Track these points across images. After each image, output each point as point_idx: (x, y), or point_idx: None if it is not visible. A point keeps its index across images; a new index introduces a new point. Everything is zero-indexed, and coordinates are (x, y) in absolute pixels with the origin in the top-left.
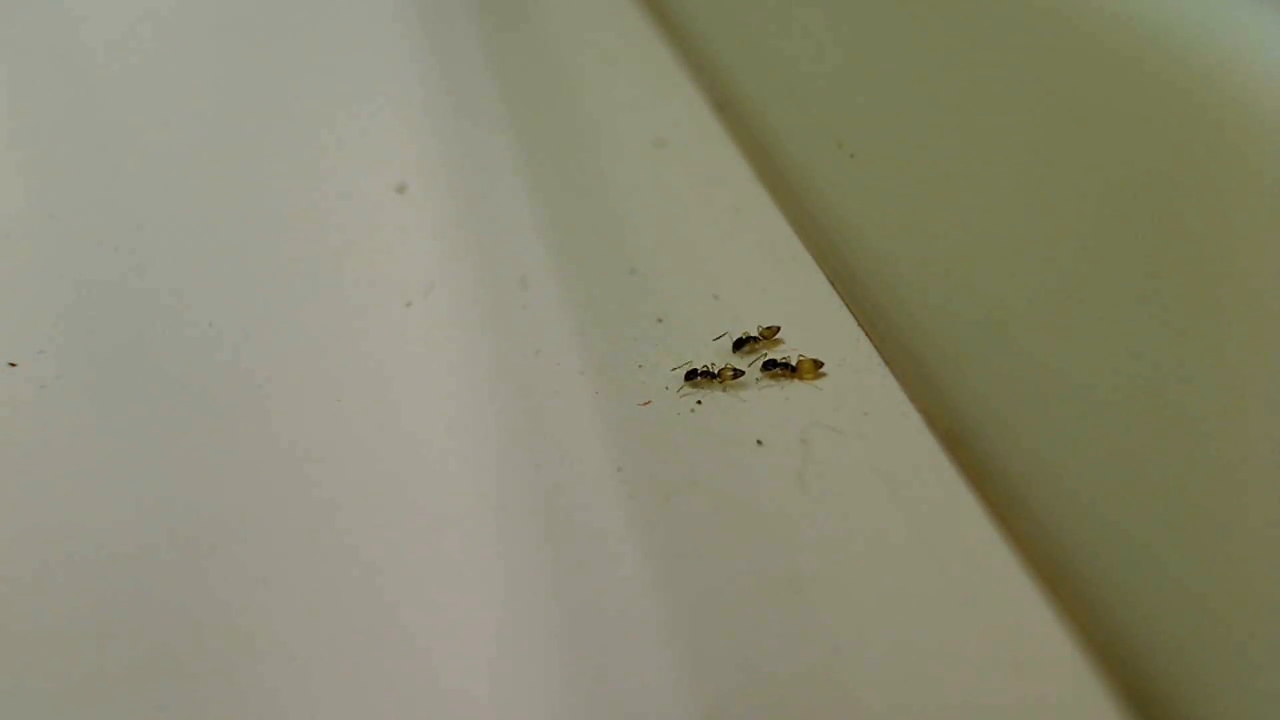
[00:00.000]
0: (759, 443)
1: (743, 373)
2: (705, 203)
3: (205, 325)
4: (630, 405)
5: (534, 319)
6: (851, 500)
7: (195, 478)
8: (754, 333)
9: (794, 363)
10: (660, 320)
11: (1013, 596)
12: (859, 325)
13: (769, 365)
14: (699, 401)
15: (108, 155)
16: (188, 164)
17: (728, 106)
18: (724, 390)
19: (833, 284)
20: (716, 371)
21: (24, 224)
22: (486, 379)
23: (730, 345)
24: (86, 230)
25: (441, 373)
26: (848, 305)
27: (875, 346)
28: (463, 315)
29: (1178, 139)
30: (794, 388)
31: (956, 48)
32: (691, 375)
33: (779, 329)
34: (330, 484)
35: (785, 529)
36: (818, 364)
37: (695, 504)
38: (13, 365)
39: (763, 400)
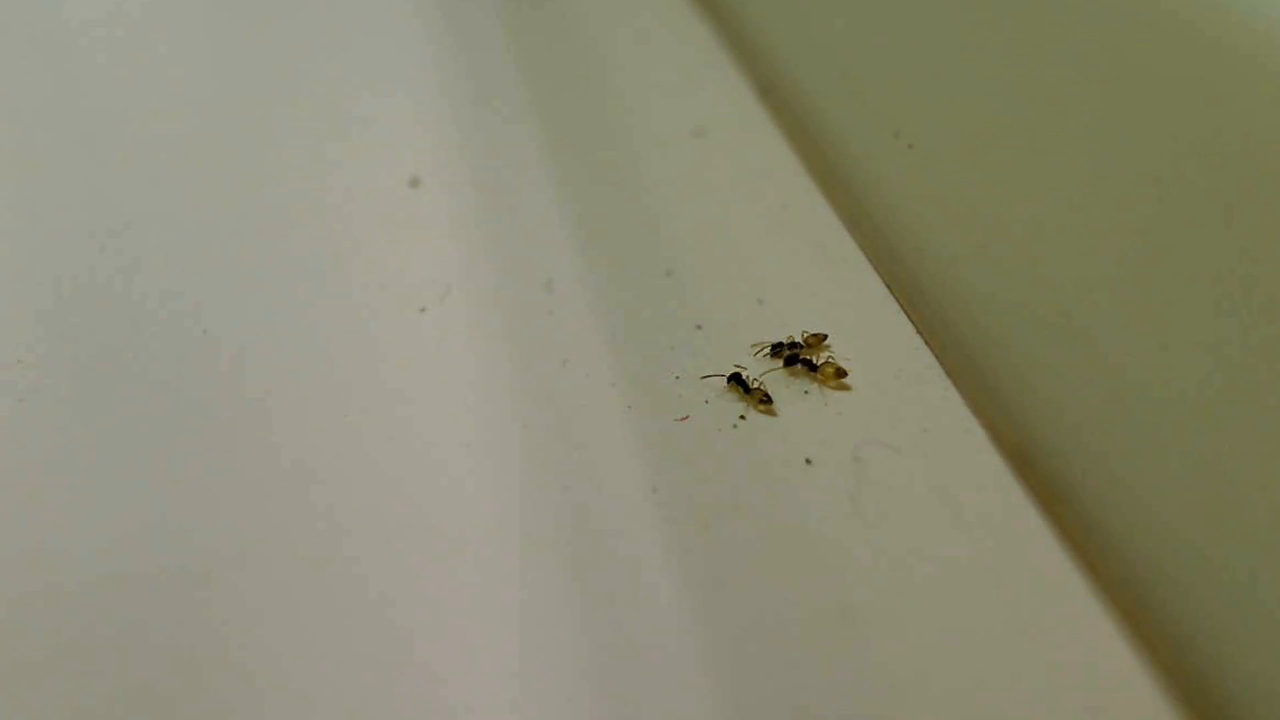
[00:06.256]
0: (808, 461)
1: (770, 400)
2: (749, 198)
3: (200, 333)
4: (666, 420)
5: (560, 325)
6: (910, 525)
7: (188, 500)
8: (798, 339)
9: (818, 362)
10: (699, 327)
11: (1088, 633)
12: (918, 332)
13: (791, 360)
14: (742, 417)
15: (93, 145)
16: (180, 156)
17: (773, 91)
18: (756, 410)
19: (889, 287)
20: (751, 387)
21: (0, 221)
22: (508, 391)
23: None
24: (69, 228)
25: (459, 384)
26: (905, 310)
27: (935, 355)
28: (482, 321)
29: (1247, 102)
30: (846, 401)
31: (1021, 20)
32: (737, 380)
33: (825, 336)
34: (337, 507)
35: (837, 556)
36: (841, 372)
37: (738, 529)
38: None
39: (811, 416)
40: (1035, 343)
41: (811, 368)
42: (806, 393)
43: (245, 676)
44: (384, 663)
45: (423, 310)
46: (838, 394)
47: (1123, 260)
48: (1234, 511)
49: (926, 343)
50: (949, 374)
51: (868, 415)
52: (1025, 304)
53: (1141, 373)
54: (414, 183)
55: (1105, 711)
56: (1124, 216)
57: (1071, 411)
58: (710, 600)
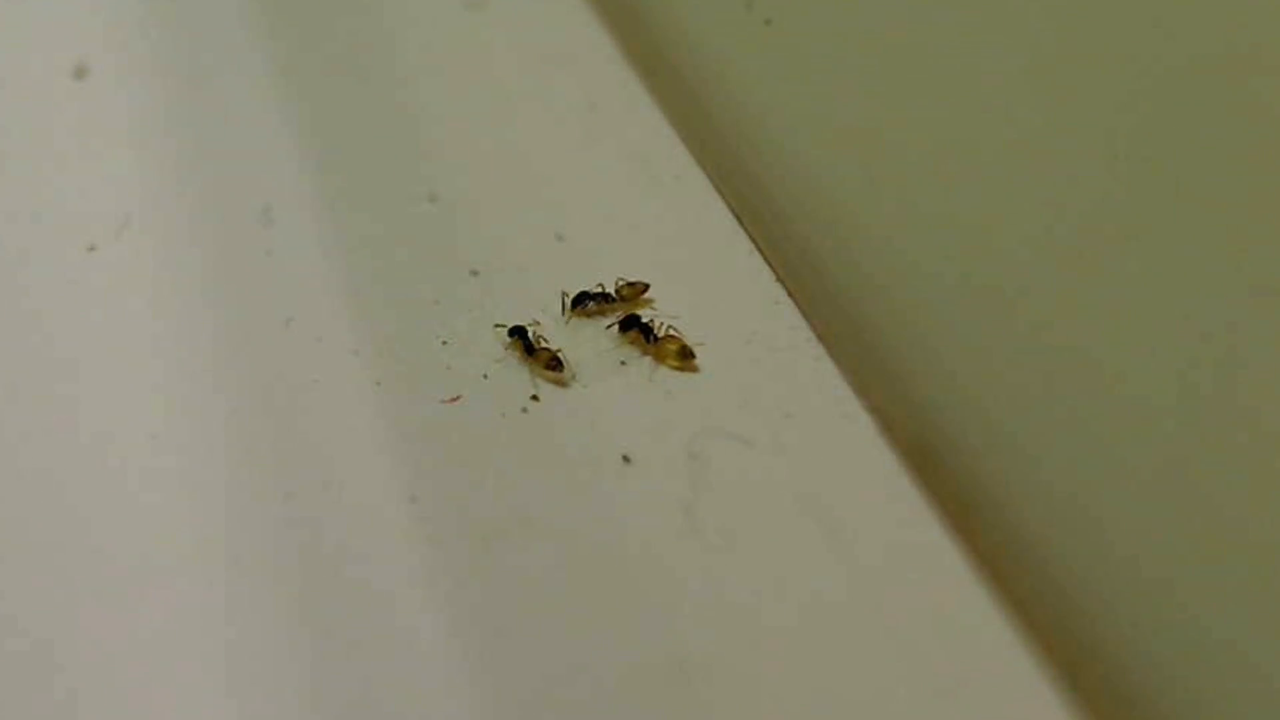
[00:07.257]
0: (626, 459)
1: (560, 364)
2: (544, 91)
3: None
4: (430, 402)
5: (282, 270)
6: (766, 546)
7: None
8: (609, 289)
9: (659, 333)
10: (475, 273)
11: (1016, 694)
12: (778, 280)
13: (629, 324)
14: (534, 398)
15: None
16: None
17: None
18: (542, 379)
19: (737, 217)
20: (536, 346)
21: None
22: (209, 362)
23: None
24: None
25: (142, 352)
26: (760, 250)
27: (804, 313)
28: (173, 264)
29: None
30: (679, 376)
31: None
32: (519, 335)
33: (646, 287)
34: None
35: (666, 590)
36: (688, 352)
37: (530, 553)
38: None
39: (630, 396)
40: (946, 297)
41: (648, 336)
42: (624, 363)
43: None
44: None
45: (92, 249)
46: (638, 353)
47: (1065, 187)
48: (1197, 526)
49: (791, 295)
50: (822, 339)
51: (708, 395)
52: (932, 240)
53: (1085, 341)
54: (80, 73)
55: None
56: (1078, 118)
57: (993, 393)
58: (490, 651)
